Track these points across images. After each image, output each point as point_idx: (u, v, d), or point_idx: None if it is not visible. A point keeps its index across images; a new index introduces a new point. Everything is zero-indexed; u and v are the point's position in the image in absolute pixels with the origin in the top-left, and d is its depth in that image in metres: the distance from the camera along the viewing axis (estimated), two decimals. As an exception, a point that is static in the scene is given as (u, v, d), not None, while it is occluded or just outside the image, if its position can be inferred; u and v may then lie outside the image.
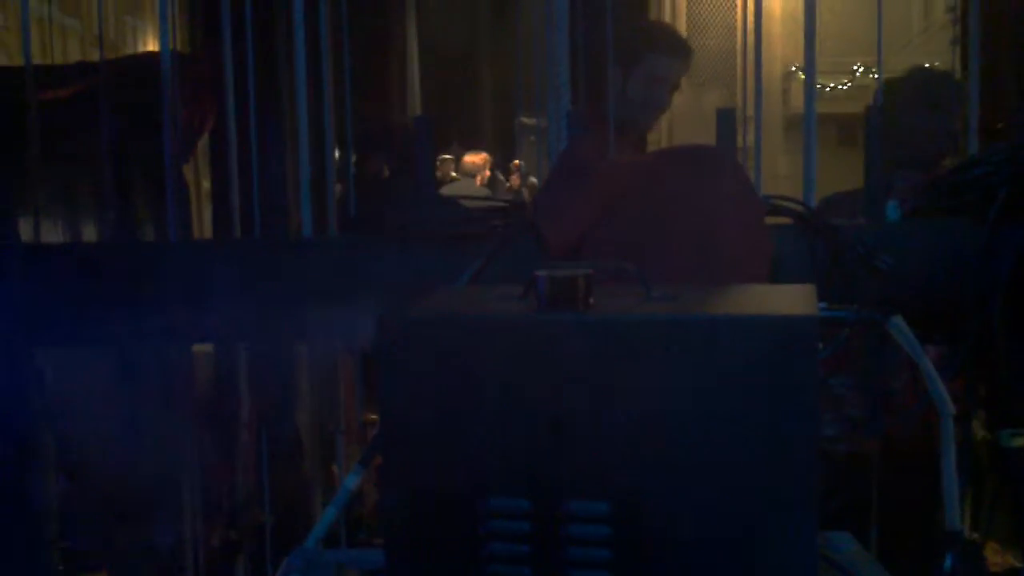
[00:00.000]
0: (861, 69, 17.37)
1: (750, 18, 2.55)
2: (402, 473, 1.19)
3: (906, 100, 2.81)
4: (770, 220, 1.89)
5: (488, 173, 8.15)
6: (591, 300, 1.18)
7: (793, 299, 1.19)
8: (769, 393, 1.09)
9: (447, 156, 9.88)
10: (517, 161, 9.53)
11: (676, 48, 2.77)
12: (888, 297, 1.81)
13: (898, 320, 1.26)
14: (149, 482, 2.57)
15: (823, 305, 1.23)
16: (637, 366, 1.11)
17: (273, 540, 2.57)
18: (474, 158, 8.15)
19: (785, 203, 1.86)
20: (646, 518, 1.13)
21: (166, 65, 2.48)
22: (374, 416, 2.82)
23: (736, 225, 1.76)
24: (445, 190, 7.77)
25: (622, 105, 2.54)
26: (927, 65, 3.02)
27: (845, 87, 17.30)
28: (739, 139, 2.86)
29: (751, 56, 2.50)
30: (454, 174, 8.43)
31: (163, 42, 2.38)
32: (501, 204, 1.87)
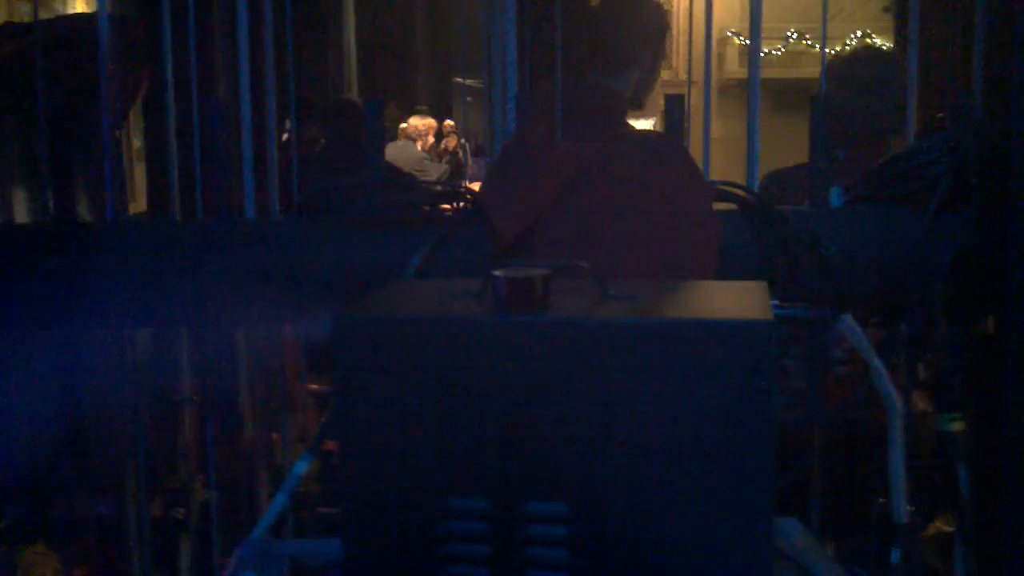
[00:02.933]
0: (795, 35, 17.54)
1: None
2: (359, 473, 1.19)
3: (848, 79, 2.86)
4: (717, 206, 1.90)
5: (431, 139, 8.10)
6: (548, 301, 1.18)
7: (747, 299, 1.20)
8: (725, 396, 1.10)
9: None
10: (450, 122, 9.48)
11: None
12: (833, 284, 1.84)
13: (848, 319, 1.27)
14: (86, 455, 2.54)
15: (775, 303, 1.24)
16: (594, 368, 1.12)
17: (217, 517, 2.56)
18: (419, 122, 8.10)
19: (731, 189, 1.87)
20: (603, 518, 1.15)
21: (103, 30, 2.41)
22: (316, 386, 2.81)
23: (685, 212, 1.77)
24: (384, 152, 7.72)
25: (651, 84, 2.59)
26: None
27: (779, 52, 17.47)
28: (708, 101, 2.87)
29: (689, 21, 2.50)
30: (401, 136, 8.37)
31: (100, 6, 2.32)
32: (450, 189, 1.86)
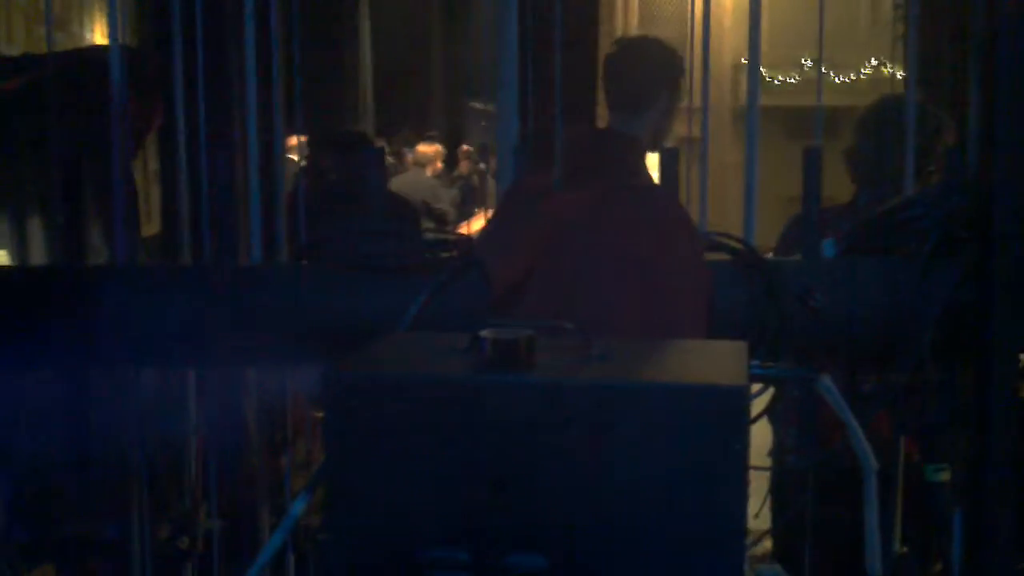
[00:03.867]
0: (810, 63, 17.56)
1: (699, 11, 2.61)
2: (346, 523, 1.23)
3: (871, 125, 2.88)
4: (710, 256, 1.94)
5: (440, 165, 8.16)
6: (533, 360, 1.22)
7: (724, 361, 1.24)
8: (698, 456, 1.14)
9: (382, 141, 9.86)
10: (466, 147, 9.53)
11: None
12: (823, 335, 1.87)
13: (826, 380, 1.31)
14: (96, 480, 2.59)
15: (755, 363, 1.27)
16: (574, 427, 1.16)
17: (222, 545, 2.60)
18: (426, 148, 8.15)
19: (724, 240, 1.91)
20: (582, 571, 1.18)
21: (115, 63, 2.46)
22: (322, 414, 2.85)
23: (676, 264, 1.81)
24: (395, 182, 7.77)
25: (668, 125, 2.63)
26: (894, 93, 3.11)
27: (794, 81, 17.49)
28: (689, 130, 2.93)
29: (704, 49, 2.55)
30: (410, 162, 8.43)
31: (112, 37, 2.38)
32: (447, 237, 1.90)
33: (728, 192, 2.26)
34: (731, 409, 1.13)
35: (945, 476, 1.89)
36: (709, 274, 1.86)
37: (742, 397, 1.13)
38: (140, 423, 2.38)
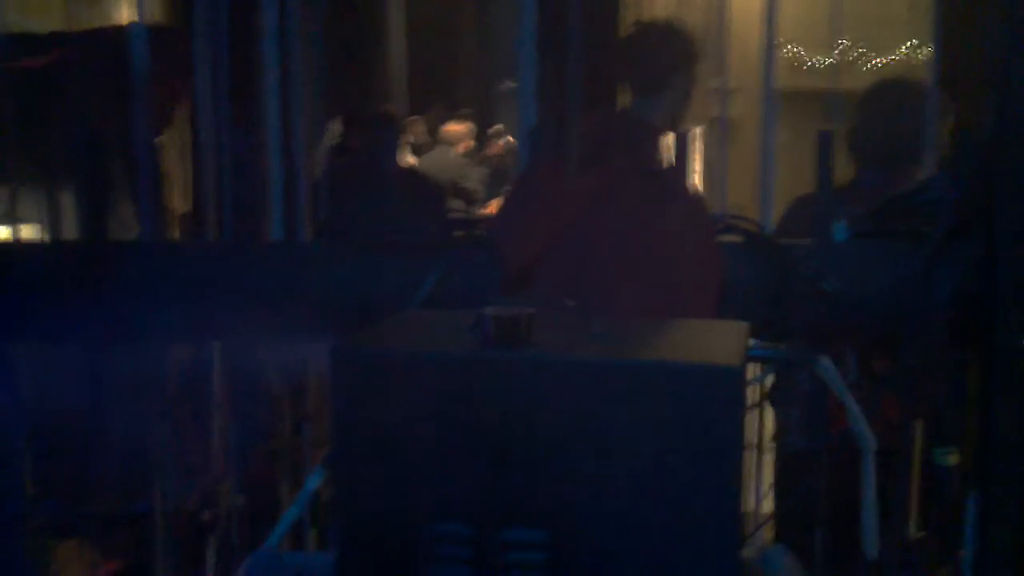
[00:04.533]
0: (847, 44, 17.43)
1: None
2: (351, 496, 1.26)
3: (876, 107, 2.89)
4: (723, 238, 1.96)
5: (470, 143, 8.16)
6: (533, 337, 1.24)
7: (723, 341, 1.26)
8: (693, 434, 1.16)
9: (415, 117, 9.86)
10: (499, 126, 9.52)
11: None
12: (834, 317, 1.88)
13: (826, 361, 1.33)
14: (121, 456, 2.64)
15: (755, 343, 1.30)
16: (573, 403, 1.18)
17: (245, 522, 2.64)
18: (456, 127, 8.16)
19: (737, 222, 1.93)
20: (581, 546, 1.21)
21: (140, 41, 2.49)
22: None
23: (688, 245, 1.83)
24: (424, 160, 7.78)
25: (685, 106, 2.63)
26: (898, 73, 3.12)
27: (829, 62, 17.37)
28: (725, 110, 2.92)
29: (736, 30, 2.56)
30: (439, 142, 8.44)
31: (138, 14, 2.41)
32: (467, 217, 1.93)
33: (758, 173, 2.28)
34: (726, 388, 1.15)
35: (953, 459, 1.90)
36: (720, 256, 1.88)
37: (736, 376, 1.15)
38: (161, 399, 2.43)
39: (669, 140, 2.11)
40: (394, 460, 1.24)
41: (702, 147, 5.91)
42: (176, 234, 4.95)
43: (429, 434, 1.22)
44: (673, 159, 2.02)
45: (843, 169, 2.77)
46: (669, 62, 2.62)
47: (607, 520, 1.20)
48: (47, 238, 3.52)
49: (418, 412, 1.22)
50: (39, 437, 2.69)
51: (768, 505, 2.45)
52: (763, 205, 2.20)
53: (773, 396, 2.34)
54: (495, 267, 1.88)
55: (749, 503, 2.45)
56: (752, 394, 1.98)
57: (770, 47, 2.22)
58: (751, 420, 2.42)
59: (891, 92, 2.98)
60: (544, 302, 1.29)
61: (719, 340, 1.27)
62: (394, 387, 1.23)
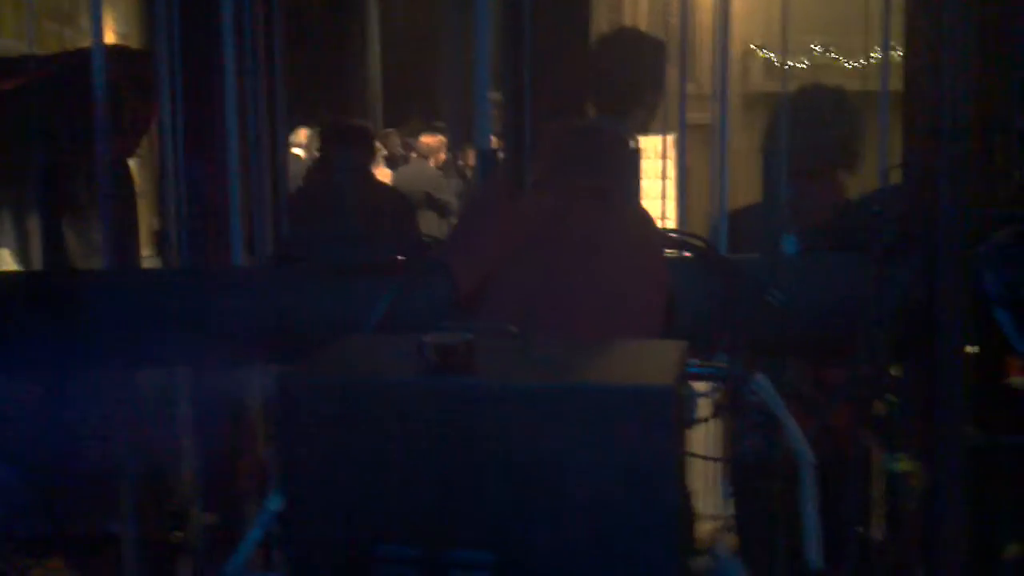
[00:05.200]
0: (820, 49, 17.52)
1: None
2: (300, 518, 1.29)
3: (798, 116, 2.85)
4: (672, 254, 1.99)
5: (443, 156, 8.20)
6: (474, 363, 1.27)
7: (659, 361, 1.29)
8: (630, 453, 1.19)
9: (389, 130, 9.89)
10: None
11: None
12: (781, 330, 1.92)
13: (761, 378, 1.36)
14: (98, 479, 2.66)
15: (693, 361, 1.33)
16: (511, 427, 1.22)
17: (217, 539, 2.66)
18: (430, 139, 8.20)
19: (684, 238, 1.96)
20: (525, 564, 1.24)
21: (98, 62, 2.50)
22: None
23: (634, 262, 1.86)
24: (399, 173, 7.81)
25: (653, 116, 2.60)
26: (815, 81, 3.08)
27: (804, 66, 17.45)
28: (703, 116, 2.92)
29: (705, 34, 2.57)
30: (414, 154, 8.47)
31: (96, 37, 2.43)
32: (413, 240, 1.97)
33: (735, 177, 2.29)
34: (659, 408, 1.18)
35: (904, 466, 1.94)
36: (667, 273, 1.91)
37: (669, 397, 1.18)
38: (132, 423, 2.45)
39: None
40: (340, 484, 1.27)
41: (675, 154, 5.92)
42: (150, 251, 4.96)
43: (374, 458, 1.25)
44: (622, 175, 2.05)
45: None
46: (638, 79, 2.58)
47: (549, 539, 1.23)
48: (14, 263, 3.53)
49: (362, 437, 1.25)
50: (16, 458, 2.71)
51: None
52: (716, 219, 2.24)
53: (722, 409, 2.37)
54: (448, 288, 1.90)
55: (710, 511, 2.49)
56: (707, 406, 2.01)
57: (723, 50, 2.25)
58: (709, 431, 2.45)
59: (803, 103, 2.94)
60: (486, 328, 1.32)
61: (655, 360, 1.30)
62: (338, 412, 1.26)
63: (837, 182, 2.61)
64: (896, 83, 2.43)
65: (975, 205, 1.92)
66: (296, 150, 7.21)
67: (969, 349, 1.98)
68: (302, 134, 7.59)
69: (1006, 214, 2.03)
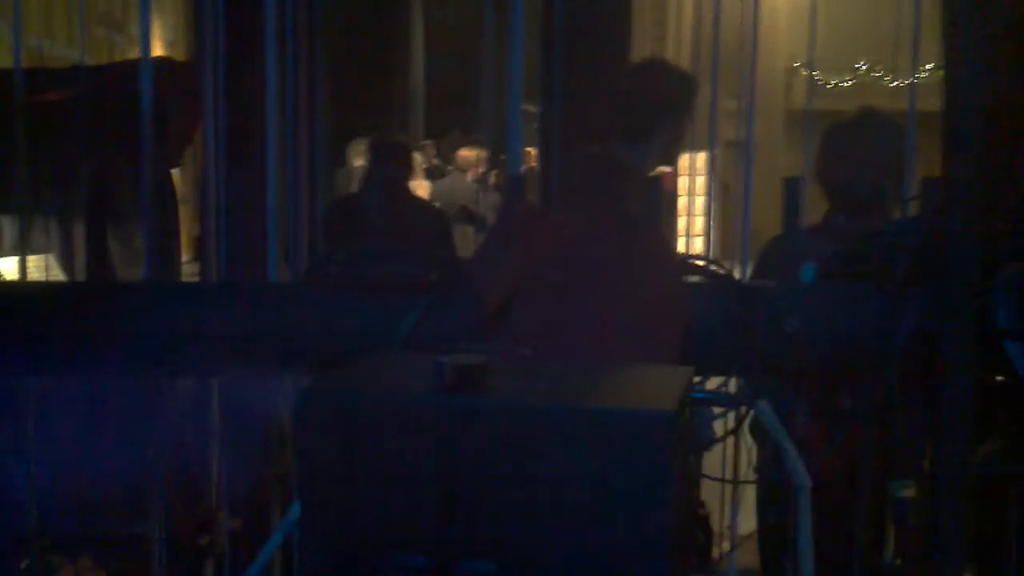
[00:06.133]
0: (865, 66, 17.48)
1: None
2: (316, 526, 1.36)
3: (845, 145, 2.88)
4: (691, 280, 2.04)
5: (481, 170, 8.27)
6: (488, 383, 1.34)
7: (663, 386, 1.35)
8: (629, 473, 1.26)
9: (427, 142, 9.99)
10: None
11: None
12: (794, 357, 1.97)
13: (764, 405, 1.42)
14: (128, 480, 2.75)
15: (697, 386, 1.39)
16: (520, 445, 1.28)
17: (241, 544, 2.73)
18: (468, 153, 8.26)
19: (702, 264, 2.02)
20: (527, 575, 1.30)
21: (145, 77, 2.58)
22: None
23: (655, 288, 1.92)
24: (437, 186, 7.90)
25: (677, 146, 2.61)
26: (867, 107, 3.08)
27: (848, 84, 17.43)
28: (738, 133, 2.93)
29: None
30: (452, 167, 8.56)
31: (144, 52, 2.51)
32: (442, 258, 2.03)
33: (780, 195, 2.30)
34: (658, 432, 1.24)
35: (909, 492, 1.98)
36: (686, 298, 1.97)
37: (669, 422, 1.24)
38: (166, 430, 2.53)
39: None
40: (356, 494, 1.34)
41: (715, 171, 5.95)
42: (189, 254, 5.05)
43: (387, 471, 1.32)
44: (643, 203, 2.11)
45: (816, 202, 2.77)
46: (655, 111, 2.59)
47: (550, 551, 1.29)
48: (59, 268, 3.63)
49: (378, 451, 1.32)
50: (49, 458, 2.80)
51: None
52: (743, 245, 2.29)
53: (752, 429, 2.42)
54: (474, 307, 1.97)
55: (724, 529, 2.54)
56: (724, 426, 2.06)
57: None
58: (722, 451, 2.50)
59: (855, 132, 2.96)
60: (503, 349, 1.39)
61: (659, 385, 1.36)
62: (355, 427, 1.33)
63: (886, 213, 2.63)
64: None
65: (989, 236, 1.96)
66: (360, 163, 7.18)
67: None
68: (362, 147, 7.65)
69: (1020, 246, 2.07)
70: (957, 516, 1.78)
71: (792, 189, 2.03)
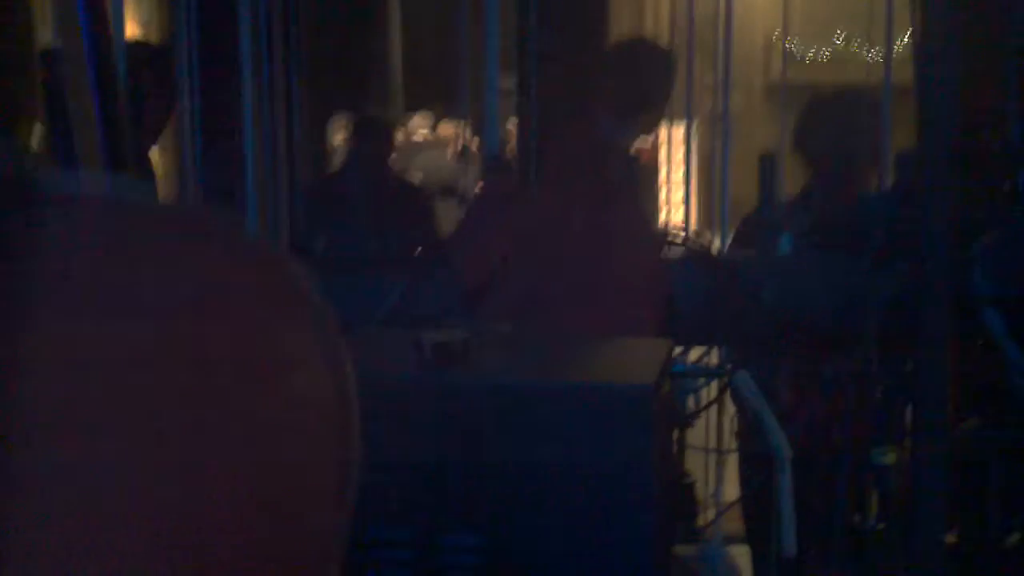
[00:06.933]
0: (842, 38, 17.46)
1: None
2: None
3: (824, 121, 2.89)
4: (670, 254, 2.06)
5: (462, 144, 8.25)
6: (469, 359, 1.35)
7: (642, 360, 1.37)
8: (610, 446, 1.27)
9: (410, 114, 9.94)
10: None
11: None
12: (772, 327, 1.99)
13: (743, 375, 1.43)
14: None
15: (678, 359, 1.40)
16: (502, 420, 1.29)
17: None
18: (449, 128, 8.24)
19: (681, 237, 2.03)
20: (511, 549, 1.32)
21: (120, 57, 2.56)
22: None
23: (634, 262, 1.93)
24: (418, 160, 7.88)
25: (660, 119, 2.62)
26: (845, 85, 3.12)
27: (826, 57, 17.40)
28: (717, 106, 2.95)
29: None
30: (423, 135, 8.48)
31: (117, 33, 2.50)
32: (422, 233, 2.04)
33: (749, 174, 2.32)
34: (639, 405, 1.26)
35: (890, 458, 2.00)
36: (666, 271, 1.98)
37: (650, 395, 1.26)
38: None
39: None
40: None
41: (696, 143, 5.97)
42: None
43: (371, 447, 1.33)
44: (623, 178, 2.12)
45: (797, 172, 2.77)
46: (650, 89, 2.61)
47: (535, 524, 1.30)
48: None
49: (362, 427, 1.33)
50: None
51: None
52: (721, 218, 2.30)
53: (734, 398, 2.44)
54: (454, 283, 1.98)
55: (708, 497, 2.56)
56: (707, 395, 2.08)
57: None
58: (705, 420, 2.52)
59: (842, 105, 2.98)
60: (483, 325, 1.40)
61: (638, 359, 1.37)
62: (340, 405, 1.34)
63: (865, 183, 2.65)
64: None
65: (965, 205, 1.98)
66: (340, 140, 7.12)
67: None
68: (342, 123, 7.60)
69: (996, 215, 2.09)
70: (938, 481, 1.81)
71: (767, 167, 2.04)
